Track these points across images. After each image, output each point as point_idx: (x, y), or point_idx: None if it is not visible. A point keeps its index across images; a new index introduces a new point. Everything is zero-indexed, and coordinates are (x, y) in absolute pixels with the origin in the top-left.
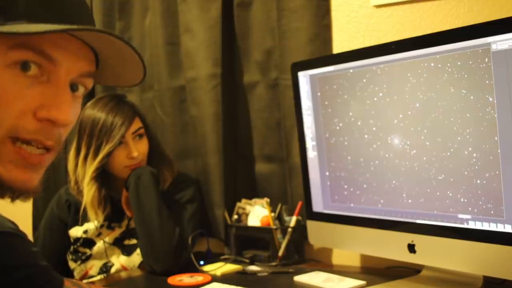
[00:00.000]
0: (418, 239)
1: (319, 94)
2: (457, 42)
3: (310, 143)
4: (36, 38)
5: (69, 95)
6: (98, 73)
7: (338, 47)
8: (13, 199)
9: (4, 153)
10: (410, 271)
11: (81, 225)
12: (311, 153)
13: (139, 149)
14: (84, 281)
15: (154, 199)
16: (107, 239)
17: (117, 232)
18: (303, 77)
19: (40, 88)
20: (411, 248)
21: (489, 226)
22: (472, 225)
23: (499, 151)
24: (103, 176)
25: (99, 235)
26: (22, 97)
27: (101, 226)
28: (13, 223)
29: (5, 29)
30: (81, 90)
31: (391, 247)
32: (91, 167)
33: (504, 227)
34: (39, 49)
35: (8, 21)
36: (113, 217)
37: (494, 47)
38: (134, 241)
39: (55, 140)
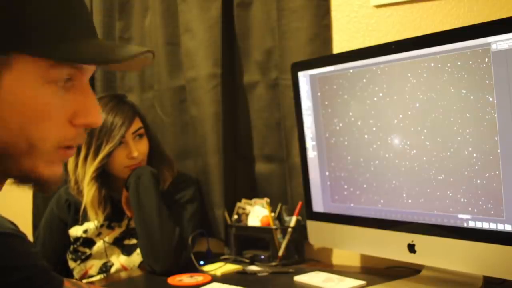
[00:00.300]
0: (418, 239)
1: (319, 94)
2: (457, 42)
3: (310, 143)
4: None
5: (95, 98)
6: None
7: (338, 47)
8: (47, 193)
9: (51, 158)
10: (410, 271)
11: (81, 224)
12: (311, 153)
13: (139, 149)
14: (84, 281)
15: (154, 199)
16: (107, 238)
17: (117, 232)
18: (303, 77)
19: (70, 96)
20: (411, 248)
21: (489, 226)
22: (472, 225)
23: (499, 151)
24: (103, 176)
25: (99, 234)
26: (60, 109)
27: (101, 225)
28: (12, 223)
29: (84, 54)
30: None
31: (391, 247)
32: (91, 167)
33: (504, 227)
34: (75, 64)
35: (60, 42)
36: (113, 217)
37: (494, 47)
38: (134, 241)
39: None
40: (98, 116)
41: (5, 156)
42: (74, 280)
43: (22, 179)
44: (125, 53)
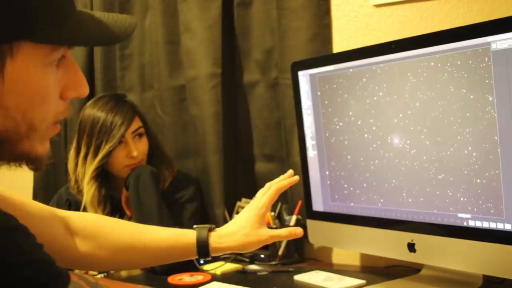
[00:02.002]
0: (418, 238)
1: (319, 93)
2: (457, 41)
3: (310, 143)
4: None
5: (80, 69)
6: None
7: (338, 46)
8: (40, 169)
9: (45, 135)
10: (410, 270)
11: None
12: (311, 153)
13: (139, 148)
14: None
15: (153, 198)
16: None
17: None
18: (303, 76)
19: (60, 72)
20: (411, 247)
21: (489, 225)
22: (472, 224)
23: (498, 150)
24: (103, 176)
25: None
26: (56, 87)
27: None
28: (11, 216)
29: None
30: None
31: (391, 246)
32: (91, 167)
33: (504, 226)
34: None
35: (61, 24)
36: (113, 216)
37: (494, 46)
38: None
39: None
40: (86, 87)
41: (4, 142)
42: (79, 274)
43: (15, 160)
44: (125, 29)
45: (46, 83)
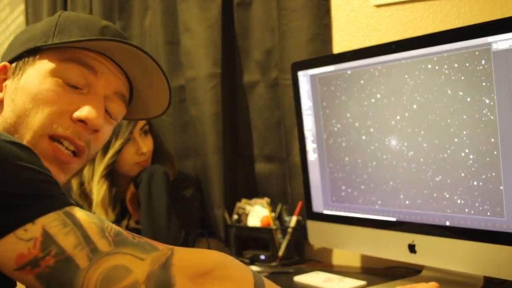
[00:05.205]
0: (418, 239)
1: (319, 94)
2: (458, 41)
3: (310, 143)
4: (81, 54)
5: (102, 104)
6: (130, 107)
7: (338, 46)
8: None
9: (39, 148)
10: (411, 271)
11: None
12: (311, 153)
13: (147, 145)
14: None
15: (164, 199)
16: None
17: None
18: (303, 76)
19: (80, 97)
20: (412, 248)
21: (489, 226)
22: (472, 225)
23: (495, 152)
24: (111, 175)
25: None
26: (61, 101)
27: None
28: None
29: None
30: (113, 117)
31: (391, 247)
32: (101, 165)
33: (504, 227)
34: (84, 61)
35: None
36: (118, 216)
37: (494, 46)
38: None
39: (85, 142)
40: (94, 113)
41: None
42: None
43: None
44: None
45: (46, 89)
